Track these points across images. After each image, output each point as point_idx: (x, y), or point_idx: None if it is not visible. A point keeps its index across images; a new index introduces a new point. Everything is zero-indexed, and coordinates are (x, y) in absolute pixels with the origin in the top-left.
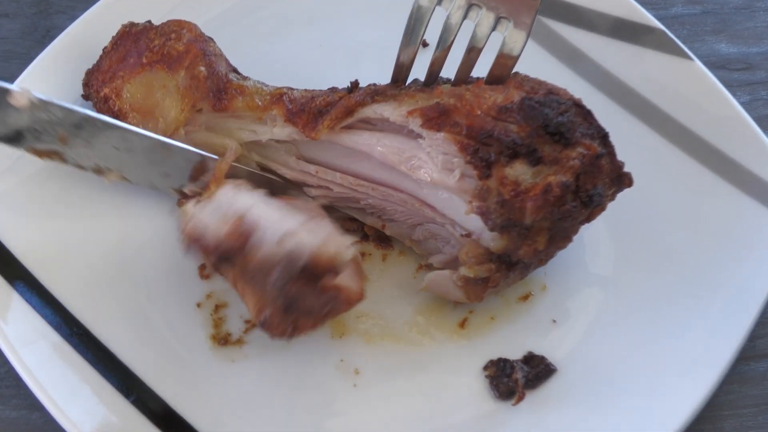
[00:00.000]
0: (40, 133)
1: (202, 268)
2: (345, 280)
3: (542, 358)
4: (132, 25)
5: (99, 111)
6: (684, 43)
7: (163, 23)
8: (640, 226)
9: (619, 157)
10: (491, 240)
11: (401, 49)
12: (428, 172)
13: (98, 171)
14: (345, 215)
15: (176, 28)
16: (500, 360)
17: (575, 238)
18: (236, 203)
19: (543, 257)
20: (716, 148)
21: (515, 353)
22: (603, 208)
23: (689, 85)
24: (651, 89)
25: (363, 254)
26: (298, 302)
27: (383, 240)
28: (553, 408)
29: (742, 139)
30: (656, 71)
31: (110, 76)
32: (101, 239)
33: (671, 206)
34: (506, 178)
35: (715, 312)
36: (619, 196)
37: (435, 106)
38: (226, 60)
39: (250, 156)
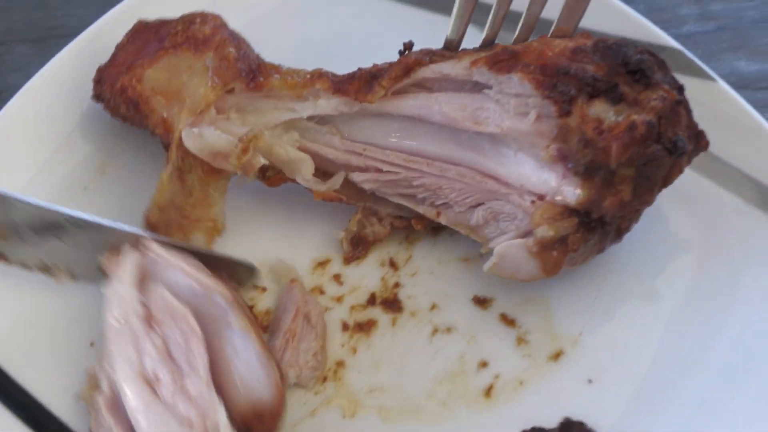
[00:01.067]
0: None
1: None
2: None
3: (581, 425)
4: (146, 21)
5: (113, 110)
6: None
7: (183, 14)
8: (675, 265)
9: None
10: (571, 194)
11: (453, 21)
12: (498, 121)
13: (45, 269)
14: (393, 211)
15: (200, 16)
16: (534, 429)
17: (606, 280)
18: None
19: (627, 214)
20: (751, 177)
21: (550, 421)
22: (681, 170)
23: (713, 107)
24: None
25: (370, 322)
26: None
27: (391, 303)
28: None
29: None
30: None
31: (127, 67)
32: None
33: (711, 243)
34: (588, 115)
35: None
36: (652, 230)
37: (502, 51)
38: (253, 49)
39: (289, 136)
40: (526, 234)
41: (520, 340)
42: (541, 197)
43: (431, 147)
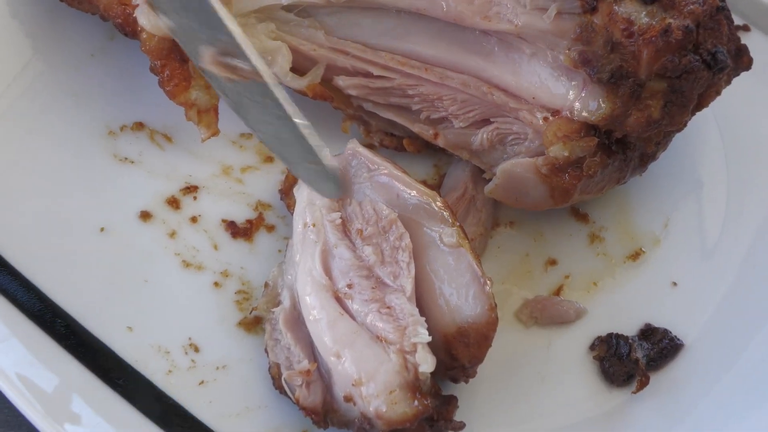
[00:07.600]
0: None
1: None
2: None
3: (665, 331)
4: None
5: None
6: None
7: None
8: None
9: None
10: (592, 107)
11: None
12: (512, 16)
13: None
14: (384, 126)
15: None
16: (611, 336)
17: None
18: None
19: (654, 137)
20: None
21: (629, 327)
22: (718, 91)
23: None
24: None
25: None
26: None
27: None
28: (685, 393)
29: None
30: None
31: None
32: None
33: None
34: (616, 14)
35: None
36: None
37: None
38: None
39: (264, 26)
40: (537, 155)
41: (594, 237)
42: (555, 113)
43: (431, 49)
